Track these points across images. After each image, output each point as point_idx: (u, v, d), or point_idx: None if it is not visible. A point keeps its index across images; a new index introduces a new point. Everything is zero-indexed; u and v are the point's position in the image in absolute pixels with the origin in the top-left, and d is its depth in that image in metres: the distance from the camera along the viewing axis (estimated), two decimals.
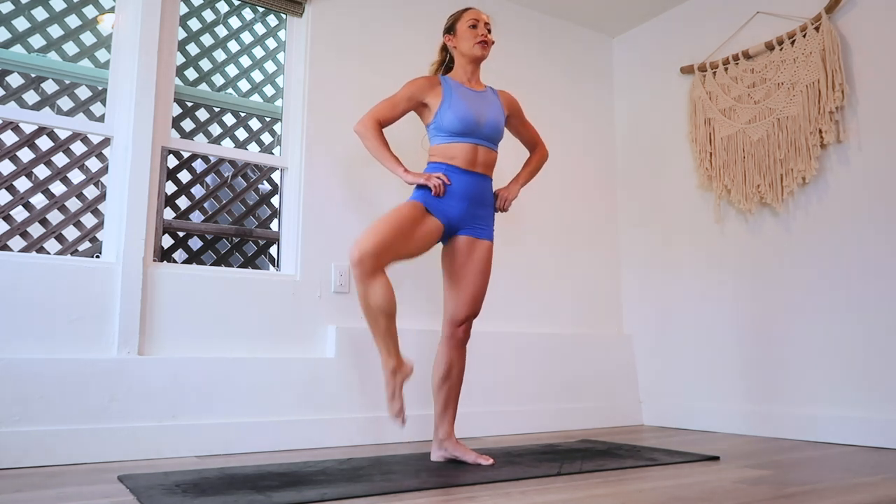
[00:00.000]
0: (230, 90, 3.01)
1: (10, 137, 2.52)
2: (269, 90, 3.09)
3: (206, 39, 2.98)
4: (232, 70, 3.02)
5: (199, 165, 3.07)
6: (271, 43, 3.12)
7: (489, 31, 2.45)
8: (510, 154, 3.49)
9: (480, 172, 2.37)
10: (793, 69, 3.08)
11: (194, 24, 2.95)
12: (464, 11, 2.46)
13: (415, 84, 2.37)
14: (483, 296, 2.38)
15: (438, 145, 2.37)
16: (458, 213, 2.32)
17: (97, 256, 2.60)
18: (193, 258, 2.85)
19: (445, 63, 2.54)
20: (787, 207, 3.10)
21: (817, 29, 3.00)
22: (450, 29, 2.48)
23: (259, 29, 3.11)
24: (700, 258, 3.47)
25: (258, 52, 3.11)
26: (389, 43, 3.26)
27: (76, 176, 2.69)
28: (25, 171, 2.52)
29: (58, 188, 2.65)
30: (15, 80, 2.57)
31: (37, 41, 2.66)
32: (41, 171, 2.58)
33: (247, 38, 3.09)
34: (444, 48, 2.53)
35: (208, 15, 2.99)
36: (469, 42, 2.41)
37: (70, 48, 2.68)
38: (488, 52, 2.45)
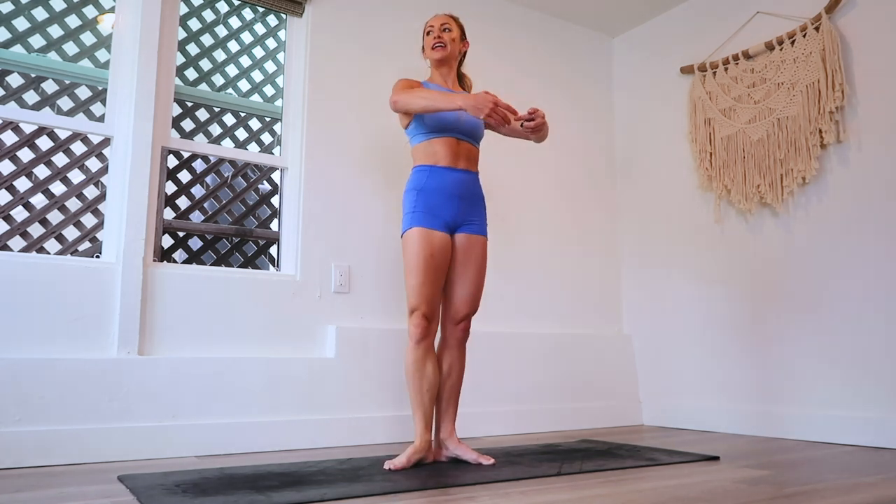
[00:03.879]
0: (230, 90, 3.01)
1: (10, 137, 2.52)
2: (269, 90, 3.09)
3: (206, 39, 2.98)
4: (232, 70, 3.02)
5: (199, 165, 3.07)
6: (271, 43, 3.12)
7: (447, 29, 2.47)
8: (506, 153, 3.49)
9: (465, 168, 2.37)
10: (793, 69, 3.08)
11: (194, 24, 2.95)
12: (426, 23, 2.53)
13: (408, 81, 2.42)
14: (481, 292, 2.39)
15: (420, 144, 2.37)
16: (453, 213, 2.32)
17: (97, 256, 2.60)
18: (193, 258, 2.85)
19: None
20: (787, 207, 3.10)
21: (817, 29, 3.00)
22: (422, 47, 2.55)
23: (259, 29, 3.11)
24: (700, 258, 3.47)
25: (258, 52, 3.11)
26: (389, 43, 3.26)
27: (76, 176, 2.69)
28: (25, 171, 2.52)
29: (58, 188, 2.65)
30: (15, 80, 2.57)
31: (37, 41, 2.66)
32: (41, 171, 2.58)
33: (247, 38, 3.09)
34: None
35: (208, 15, 3.00)
36: (428, 49, 2.49)
37: (70, 48, 2.68)
38: (445, 52, 2.45)
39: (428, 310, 2.25)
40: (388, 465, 2.13)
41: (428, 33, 2.49)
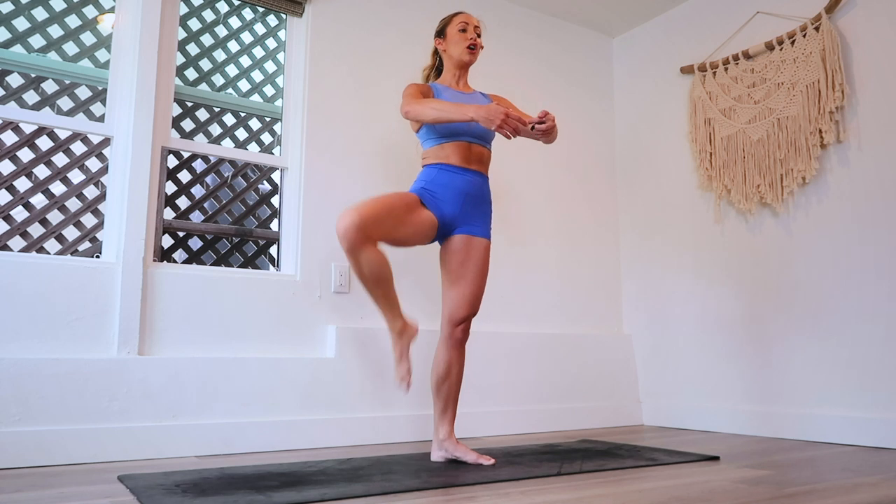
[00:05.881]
0: (230, 90, 3.01)
1: (10, 137, 2.52)
2: (269, 90, 3.09)
3: (206, 39, 2.98)
4: (232, 70, 3.02)
5: (199, 165, 3.07)
6: (271, 43, 3.12)
7: (479, 35, 2.47)
8: (505, 154, 3.49)
9: (475, 169, 2.37)
10: (793, 69, 3.08)
11: (194, 24, 2.95)
12: (454, 15, 2.48)
13: (417, 86, 2.39)
14: (481, 295, 2.38)
15: (431, 148, 2.38)
16: (453, 210, 2.31)
17: (97, 256, 2.60)
18: (193, 258, 2.85)
19: (436, 67, 2.57)
20: (787, 207, 3.10)
21: (817, 29, 3.00)
22: (440, 33, 2.50)
23: (259, 29, 3.11)
24: (700, 258, 3.47)
25: (258, 52, 3.11)
26: (389, 42, 3.26)
27: (76, 176, 2.69)
28: (25, 171, 2.52)
29: (58, 188, 2.65)
30: (15, 80, 2.57)
31: (37, 41, 2.66)
32: (41, 171, 2.58)
33: (247, 38, 3.09)
34: (436, 52, 2.55)
35: (208, 15, 3.00)
36: (458, 46, 2.43)
37: (70, 48, 2.68)
38: (476, 57, 2.46)
39: (358, 217, 2.06)
40: (403, 384, 2.21)
41: (462, 30, 2.43)
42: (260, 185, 3.06)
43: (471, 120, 2.17)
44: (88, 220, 2.66)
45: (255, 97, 3.06)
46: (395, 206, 2.19)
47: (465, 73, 2.50)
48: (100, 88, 2.70)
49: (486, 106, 2.16)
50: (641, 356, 3.71)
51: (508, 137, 2.18)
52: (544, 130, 2.27)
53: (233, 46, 3.04)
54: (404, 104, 2.30)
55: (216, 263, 2.86)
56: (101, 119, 2.67)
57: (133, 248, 2.54)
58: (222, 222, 2.91)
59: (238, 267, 2.90)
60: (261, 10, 3.08)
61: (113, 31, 2.71)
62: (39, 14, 2.65)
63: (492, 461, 2.23)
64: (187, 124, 2.88)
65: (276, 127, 3.08)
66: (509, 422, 3.19)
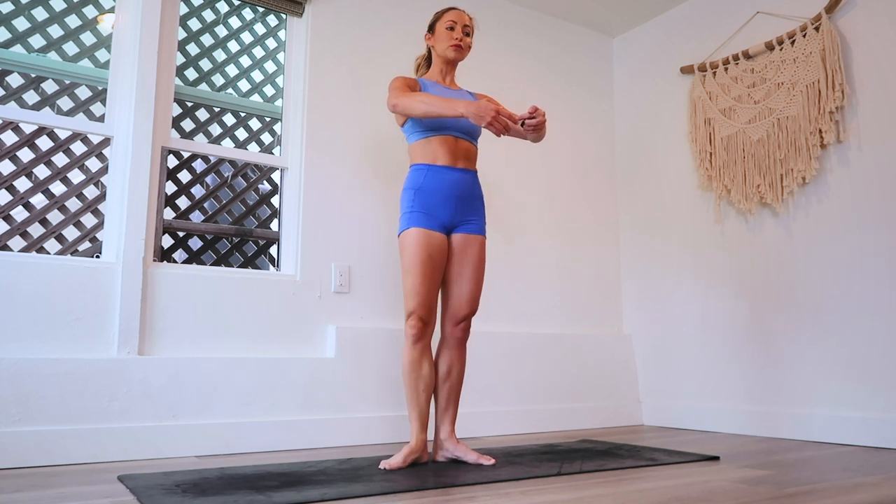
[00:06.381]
0: (230, 90, 3.01)
1: (10, 137, 2.52)
2: (269, 90, 3.09)
3: (206, 39, 2.98)
4: (232, 70, 3.02)
5: (199, 165, 3.07)
6: (271, 43, 3.12)
7: (468, 33, 2.45)
8: (506, 153, 3.49)
9: (463, 167, 2.36)
10: (793, 69, 3.08)
11: (194, 24, 2.95)
12: (446, 11, 2.47)
13: (404, 79, 2.38)
14: (480, 292, 2.38)
15: (417, 142, 2.35)
16: (450, 214, 2.31)
17: (97, 256, 2.60)
18: (193, 258, 2.85)
19: (427, 59, 2.56)
20: (787, 207, 3.10)
21: (817, 29, 3.00)
22: (431, 27, 2.49)
23: (259, 29, 3.11)
24: (700, 258, 3.47)
25: (258, 52, 3.11)
26: (389, 42, 3.26)
27: (76, 176, 2.69)
28: (25, 171, 2.52)
29: (58, 188, 2.65)
30: (15, 80, 2.57)
31: (37, 41, 2.66)
32: (41, 171, 2.58)
33: (247, 38, 3.09)
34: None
35: (208, 15, 3.00)
36: (444, 43, 2.43)
37: (70, 48, 2.68)
38: (463, 56, 2.45)
39: (424, 312, 2.25)
40: (383, 464, 2.14)
41: (450, 28, 2.42)
42: (260, 185, 3.06)
43: (460, 115, 2.16)
44: (88, 220, 2.66)
45: (255, 97, 3.06)
46: (432, 267, 2.27)
47: (452, 70, 2.49)
48: (100, 88, 2.70)
49: (477, 102, 2.16)
50: (641, 356, 3.71)
51: (497, 135, 2.17)
52: (535, 126, 2.25)
53: (233, 46, 3.04)
54: (392, 97, 2.28)
55: (216, 263, 2.86)
56: (101, 119, 2.67)
57: (133, 248, 2.54)
58: (222, 222, 2.91)
59: (238, 267, 2.90)
60: (261, 10, 3.08)
61: (113, 31, 2.71)
62: (39, 14, 2.65)
63: (492, 461, 2.23)
64: (187, 124, 2.88)
65: (276, 127, 3.08)
66: (509, 422, 3.19)
